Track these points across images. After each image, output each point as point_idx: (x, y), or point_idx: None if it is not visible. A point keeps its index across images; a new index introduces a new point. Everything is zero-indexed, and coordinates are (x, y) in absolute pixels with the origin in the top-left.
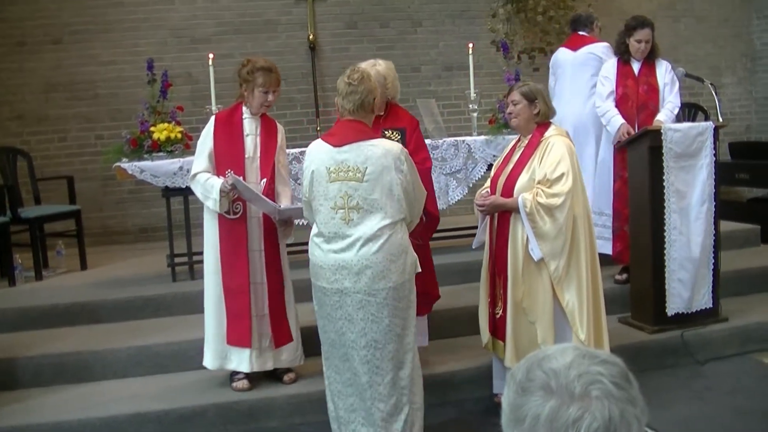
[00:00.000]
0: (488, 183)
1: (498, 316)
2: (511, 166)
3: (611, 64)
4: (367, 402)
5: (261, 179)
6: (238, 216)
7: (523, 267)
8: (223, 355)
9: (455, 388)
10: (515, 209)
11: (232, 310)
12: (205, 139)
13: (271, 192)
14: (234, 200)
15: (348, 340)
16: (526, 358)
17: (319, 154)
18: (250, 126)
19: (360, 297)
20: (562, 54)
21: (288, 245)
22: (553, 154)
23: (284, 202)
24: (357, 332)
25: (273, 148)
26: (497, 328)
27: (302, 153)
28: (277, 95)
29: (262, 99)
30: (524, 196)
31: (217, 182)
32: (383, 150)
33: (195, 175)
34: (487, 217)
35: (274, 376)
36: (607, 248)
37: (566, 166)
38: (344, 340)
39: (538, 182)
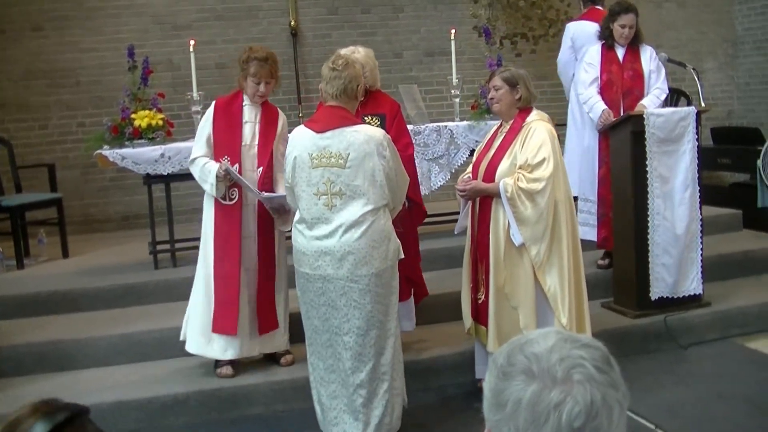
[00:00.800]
0: (470, 168)
1: (480, 301)
2: (492, 151)
3: (595, 50)
4: (349, 388)
5: (257, 167)
6: (233, 202)
7: (504, 252)
8: (207, 341)
9: (437, 373)
10: (497, 194)
11: (221, 298)
12: (205, 124)
13: (268, 180)
14: (230, 186)
15: (331, 326)
16: (508, 343)
17: (301, 140)
18: (249, 113)
19: (342, 283)
20: (586, 26)
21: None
22: (535, 139)
23: (279, 190)
24: (340, 318)
25: (272, 137)
26: (479, 314)
27: None
28: (272, 86)
29: (254, 89)
30: (505, 180)
31: (214, 167)
32: (366, 136)
33: (194, 159)
34: (469, 203)
35: (272, 358)
36: (592, 234)
37: (547, 151)
38: (327, 327)
39: (520, 167)
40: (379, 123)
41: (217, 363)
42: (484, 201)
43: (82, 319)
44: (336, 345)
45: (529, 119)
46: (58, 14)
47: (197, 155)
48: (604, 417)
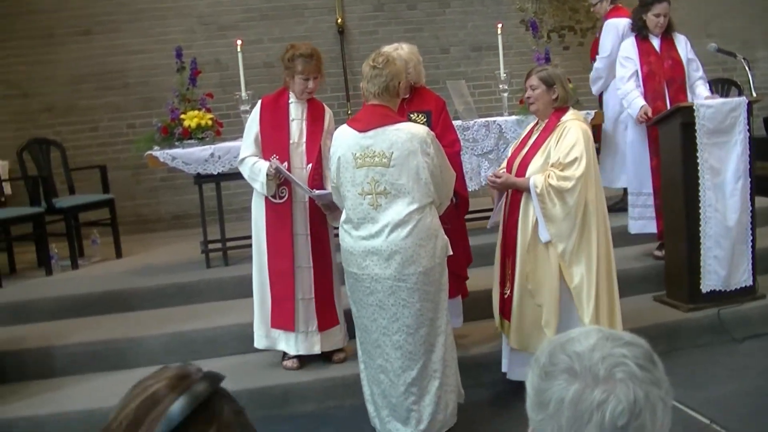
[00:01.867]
0: (505, 163)
1: (506, 296)
2: (527, 148)
3: (630, 44)
4: (400, 387)
5: (306, 164)
6: (284, 200)
7: (530, 248)
8: (273, 336)
9: (488, 369)
10: (527, 189)
11: (277, 294)
12: (252, 124)
13: (318, 176)
14: (280, 184)
15: (379, 326)
16: (549, 341)
17: (345, 139)
18: (296, 111)
19: (390, 283)
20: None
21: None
22: (569, 138)
23: (328, 186)
24: (388, 318)
25: (319, 133)
26: (505, 308)
27: None
28: (319, 82)
29: (303, 86)
30: (536, 177)
31: (264, 166)
32: (409, 134)
33: (243, 159)
34: (503, 199)
35: (324, 356)
36: (651, 227)
37: (580, 151)
38: (376, 326)
39: (552, 165)
40: (425, 120)
41: (284, 356)
42: (515, 196)
43: (134, 318)
44: (384, 345)
45: (564, 118)
46: (105, 18)
47: (246, 155)
48: (647, 415)
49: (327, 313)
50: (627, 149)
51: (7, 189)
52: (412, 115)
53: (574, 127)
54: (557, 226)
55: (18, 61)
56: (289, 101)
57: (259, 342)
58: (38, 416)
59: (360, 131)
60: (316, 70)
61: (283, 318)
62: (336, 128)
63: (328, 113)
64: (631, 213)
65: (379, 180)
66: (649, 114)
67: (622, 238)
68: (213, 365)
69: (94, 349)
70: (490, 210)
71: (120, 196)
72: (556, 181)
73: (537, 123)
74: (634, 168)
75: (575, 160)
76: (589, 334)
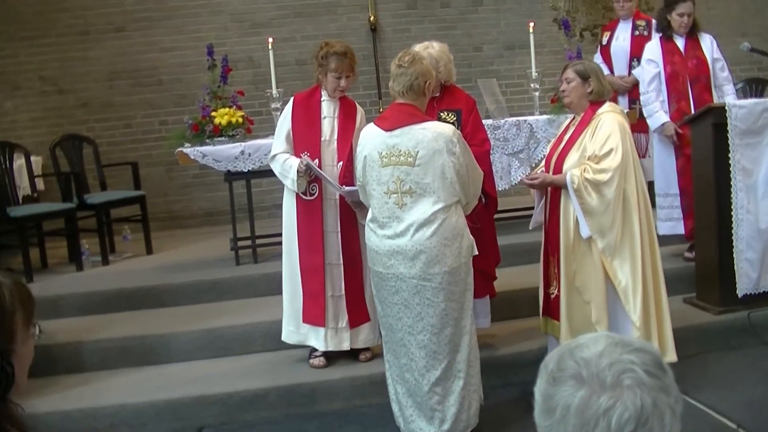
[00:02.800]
0: (543, 162)
1: (553, 295)
2: (563, 144)
3: (654, 44)
4: (424, 387)
5: (338, 162)
6: (314, 197)
7: (573, 245)
8: (303, 331)
9: (517, 369)
10: (565, 186)
11: (308, 290)
12: (284, 121)
13: (349, 174)
14: (311, 181)
15: (404, 325)
16: (559, 347)
17: (371, 138)
18: (328, 108)
19: (415, 282)
20: None
21: None
22: (604, 130)
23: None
24: (413, 317)
25: (351, 131)
26: (551, 308)
27: None
28: (352, 80)
29: (335, 84)
30: (572, 172)
31: (295, 163)
32: (434, 133)
33: (275, 156)
34: (544, 197)
35: (351, 354)
36: (679, 228)
37: (615, 142)
38: (401, 326)
39: (588, 158)
40: (455, 118)
41: (311, 354)
42: (554, 194)
43: (165, 314)
44: (409, 344)
45: (600, 111)
46: (139, 15)
47: (277, 151)
48: (655, 422)
49: (357, 310)
50: (653, 150)
51: (40, 185)
52: (442, 114)
53: (609, 119)
54: (597, 220)
55: (54, 58)
56: (322, 99)
57: (288, 336)
58: (68, 411)
59: (386, 130)
60: (349, 68)
61: (314, 313)
62: (365, 127)
63: (360, 112)
64: (659, 214)
65: (405, 179)
66: (674, 131)
67: None
68: (242, 362)
69: (123, 345)
70: (520, 209)
71: (152, 192)
72: (592, 174)
73: (573, 119)
74: (660, 169)
75: (611, 151)
76: (598, 340)
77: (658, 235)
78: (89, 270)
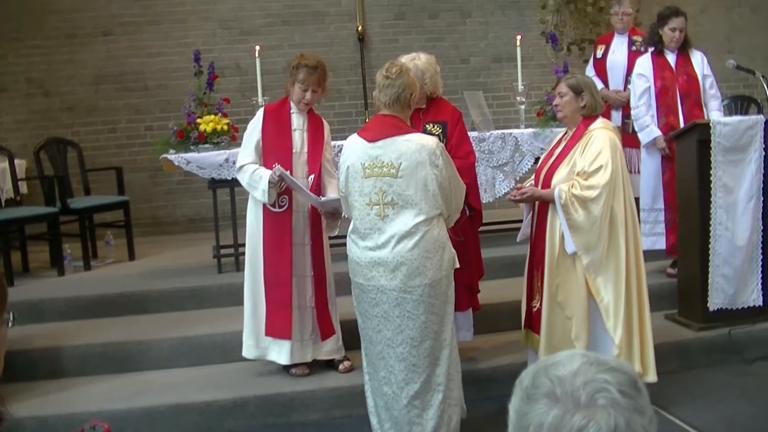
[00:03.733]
0: (533, 175)
1: (535, 309)
2: (554, 158)
3: (645, 59)
4: (403, 400)
5: (309, 175)
6: (284, 209)
7: (558, 259)
8: (263, 346)
9: (498, 382)
10: (553, 201)
11: (273, 302)
12: (253, 131)
13: (318, 187)
14: (281, 193)
15: (384, 337)
16: (535, 364)
17: (354, 149)
18: (297, 121)
19: (396, 294)
20: None
21: (331, 238)
22: (594, 146)
23: (332, 194)
24: (393, 330)
25: (320, 144)
26: (533, 321)
27: None
28: (319, 95)
29: (301, 95)
30: (560, 187)
31: (266, 173)
32: (418, 145)
33: (242, 166)
34: (531, 211)
35: (331, 365)
36: (662, 243)
37: (605, 159)
38: (380, 338)
39: (577, 174)
40: (440, 130)
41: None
42: (542, 207)
43: (145, 321)
44: (389, 357)
45: (592, 127)
46: (126, 19)
47: (245, 162)
48: None
49: (326, 323)
50: (641, 165)
51: (24, 188)
52: (427, 126)
53: (600, 135)
54: (583, 236)
55: (40, 60)
56: (291, 111)
57: (248, 352)
58: (45, 416)
59: (369, 141)
60: (316, 82)
61: (279, 326)
62: (348, 138)
63: (326, 125)
64: (643, 229)
65: (387, 190)
66: (665, 146)
67: None
68: (222, 370)
69: (103, 351)
70: (504, 222)
71: (136, 198)
72: (580, 190)
73: (565, 133)
74: (646, 183)
75: (600, 168)
76: (573, 358)
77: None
78: (71, 275)
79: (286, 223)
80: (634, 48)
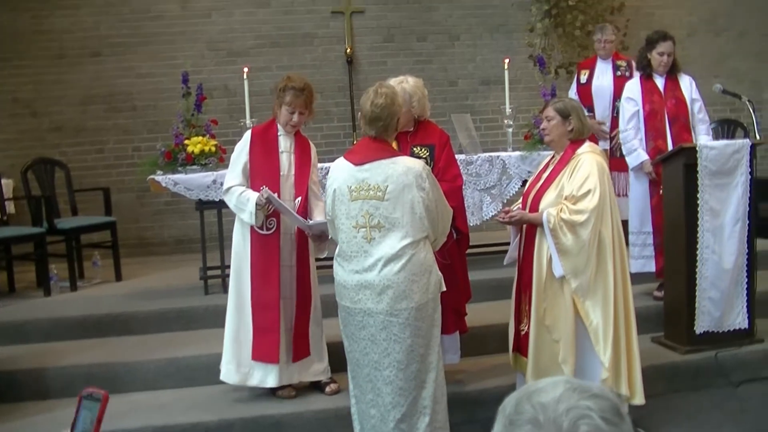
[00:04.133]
0: (521, 198)
1: (523, 332)
2: (541, 182)
3: (634, 83)
4: (390, 423)
5: (296, 197)
6: (271, 231)
7: (546, 283)
8: (244, 371)
9: (483, 405)
10: (541, 225)
11: (260, 325)
12: (240, 153)
13: (305, 209)
14: (268, 215)
15: (371, 360)
16: (517, 391)
17: (340, 172)
18: (284, 143)
19: (382, 317)
20: None
21: (318, 260)
22: (582, 170)
23: (318, 217)
24: (380, 353)
25: (307, 167)
26: (521, 345)
27: None
28: (305, 118)
29: (288, 118)
30: (549, 211)
31: (253, 195)
32: (404, 168)
33: (229, 188)
34: (519, 234)
35: (317, 387)
36: (650, 266)
37: (593, 183)
38: (367, 361)
39: (565, 198)
40: (428, 153)
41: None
42: (530, 231)
43: (132, 342)
44: (375, 380)
45: (579, 151)
46: (115, 41)
47: (232, 184)
48: None
49: (301, 344)
50: (629, 188)
51: (11, 208)
52: (415, 149)
53: (588, 159)
54: (571, 260)
55: (28, 80)
56: (279, 133)
57: (228, 376)
58: None
59: (356, 164)
60: (303, 105)
61: (267, 350)
62: (337, 159)
63: (313, 148)
64: (632, 252)
65: (373, 213)
66: (651, 170)
67: None
68: (208, 392)
69: (89, 372)
70: (491, 245)
71: (123, 218)
72: (569, 214)
73: (553, 156)
74: (635, 207)
75: (588, 192)
76: (557, 385)
77: (630, 274)
78: (57, 295)
79: (274, 245)
80: (618, 73)
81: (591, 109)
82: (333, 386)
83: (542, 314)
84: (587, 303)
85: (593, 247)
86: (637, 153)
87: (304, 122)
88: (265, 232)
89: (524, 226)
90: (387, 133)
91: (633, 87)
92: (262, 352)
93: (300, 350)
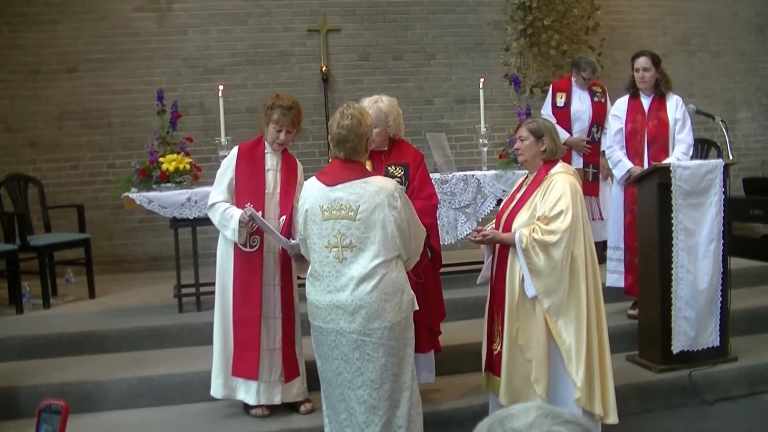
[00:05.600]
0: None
1: (496, 352)
2: (515, 202)
3: (623, 101)
4: None
5: (280, 216)
6: (255, 249)
7: (518, 303)
8: (231, 385)
9: (458, 425)
10: (513, 245)
11: (240, 342)
12: (226, 170)
13: (289, 228)
14: (252, 233)
15: (344, 380)
16: (490, 416)
17: (313, 192)
18: (271, 161)
19: (355, 337)
20: None
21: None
22: (555, 191)
23: None
24: (353, 372)
25: (293, 185)
26: (494, 364)
27: None
28: (293, 136)
29: (275, 136)
30: (521, 231)
31: (237, 213)
32: (376, 187)
33: (213, 204)
34: (492, 254)
35: (292, 406)
36: (621, 282)
37: (566, 204)
38: (340, 380)
39: (537, 218)
40: (402, 173)
41: (250, 405)
42: (503, 251)
43: (105, 360)
44: (349, 399)
45: (552, 171)
46: (91, 57)
47: (217, 200)
48: None
49: (291, 364)
50: (609, 204)
51: None
52: (389, 168)
53: (561, 180)
54: (543, 281)
55: (3, 95)
56: (266, 151)
57: (216, 391)
58: None
59: (328, 185)
60: (290, 123)
61: (246, 367)
62: (307, 180)
63: (300, 166)
64: (608, 265)
65: (345, 233)
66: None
67: None
68: (181, 411)
69: (61, 391)
70: (465, 264)
71: (97, 235)
72: (541, 234)
73: (526, 177)
74: (614, 222)
75: (561, 213)
76: (529, 411)
77: (604, 287)
78: (29, 313)
79: (256, 263)
80: (596, 99)
81: (569, 132)
82: (308, 405)
83: (515, 334)
84: (560, 323)
85: (565, 267)
86: (622, 163)
87: (292, 140)
88: (248, 249)
89: (497, 245)
90: (357, 154)
91: (620, 105)
92: (242, 368)
93: (291, 370)
